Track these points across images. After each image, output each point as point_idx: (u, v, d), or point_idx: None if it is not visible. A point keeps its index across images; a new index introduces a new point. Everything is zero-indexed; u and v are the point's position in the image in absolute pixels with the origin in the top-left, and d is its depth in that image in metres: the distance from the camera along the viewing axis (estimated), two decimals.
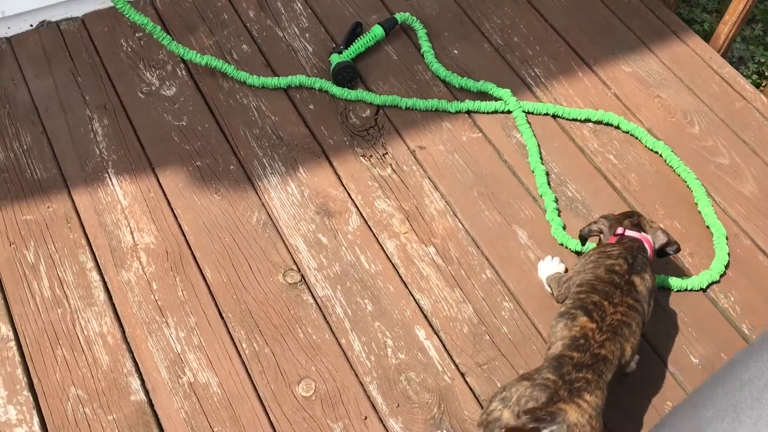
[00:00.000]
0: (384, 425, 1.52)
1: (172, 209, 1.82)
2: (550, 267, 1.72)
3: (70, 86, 2.02)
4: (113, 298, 1.67)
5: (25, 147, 1.90)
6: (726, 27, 2.20)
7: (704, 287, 1.74)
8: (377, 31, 2.15)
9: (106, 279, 1.69)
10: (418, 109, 2.04)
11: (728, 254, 1.78)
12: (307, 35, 2.20)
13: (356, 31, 2.18)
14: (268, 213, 1.83)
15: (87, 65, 2.08)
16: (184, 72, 2.09)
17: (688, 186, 1.91)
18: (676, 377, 1.62)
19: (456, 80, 2.08)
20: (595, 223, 1.65)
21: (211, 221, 1.80)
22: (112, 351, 1.59)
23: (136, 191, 1.84)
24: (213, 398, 1.54)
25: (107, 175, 1.86)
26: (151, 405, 1.53)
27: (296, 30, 2.21)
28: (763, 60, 2.72)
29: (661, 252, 1.63)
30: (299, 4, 2.27)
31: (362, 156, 1.94)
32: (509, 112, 2.03)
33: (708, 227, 1.83)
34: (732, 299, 1.73)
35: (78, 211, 1.80)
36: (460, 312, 1.68)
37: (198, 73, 2.08)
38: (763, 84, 2.66)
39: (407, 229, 1.82)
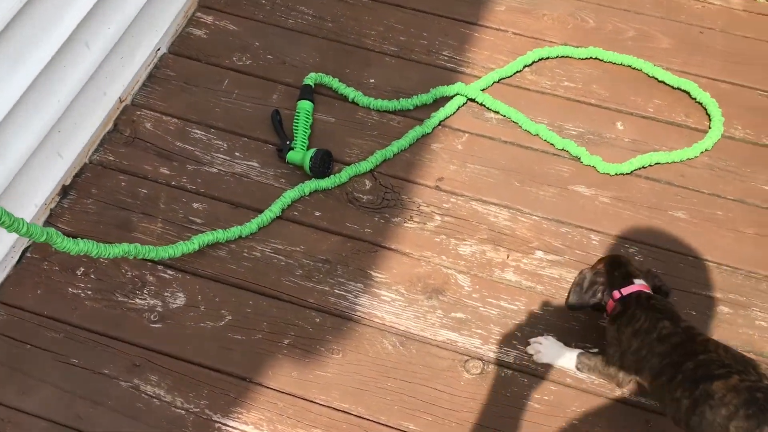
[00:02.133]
0: None
1: (319, 404, 1.58)
2: (557, 351, 1.61)
3: None
4: None
5: None
6: None
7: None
8: (305, 106, 1.97)
9: None
10: (403, 149, 1.95)
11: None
12: (237, 154, 1.94)
13: (278, 119, 1.98)
14: (395, 333, 1.67)
15: (64, 342, 1.63)
16: (171, 271, 1.74)
17: (635, 68, 2.13)
18: None
19: (407, 103, 2.01)
20: (581, 288, 1.56)
21: (362, 381, 1.60)
22: None
23: (259, 419, 1.56)
24: None
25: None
26: None
27: (223, 157, 1.93)
28: None
29: (654, 291, 1.57)
30: (199, 131, 1.97)
31: (406, 222, 1.84)
32: (472, 100, 2.05)
33: (678, 88, 2.09)
34: None
35: None
36: None
37: (181, 263, 1.74)
38: None
39: (506, 252, 1.80)
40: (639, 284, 1.53)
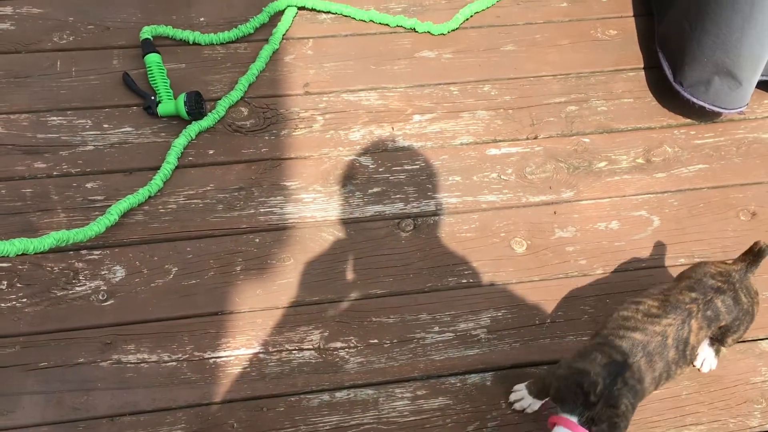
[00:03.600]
0: None
1: (292, 306, 1.69)
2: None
3: None
4: None
5: None
6: None
7: None
8: (154, 58, 1.97)
9: None
10: (262, 70, 2.03)
11: None
12: (106, 126, 1.91)
13: (131, 80, 1.96)
14: (329, 225, 1.81)
15: (24, 353, 1.57)
16: (97, 252, 1.71)
17: None
18: None
19: (247, 28, 2.08)
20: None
21: (320, 273, 1.73)
22: None
23: (247, 340, 1.65)
24: None
25: None
26: None
27: (93, 132, 1.89)
28: None
29: None
30: (55, 117, 1.90)
31: (293, 132, 1.95)
32: (302, 8, 2.16)
33: None
34: None
35: None
36: (488, 115, 2.01)
37: (103, 241, 1.73)
38: None
39: (389, 125, 1.98)
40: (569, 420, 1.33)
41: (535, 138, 2.00)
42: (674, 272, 1.67)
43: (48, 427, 1.51)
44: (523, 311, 1.73)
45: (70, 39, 2.05)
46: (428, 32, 2.16)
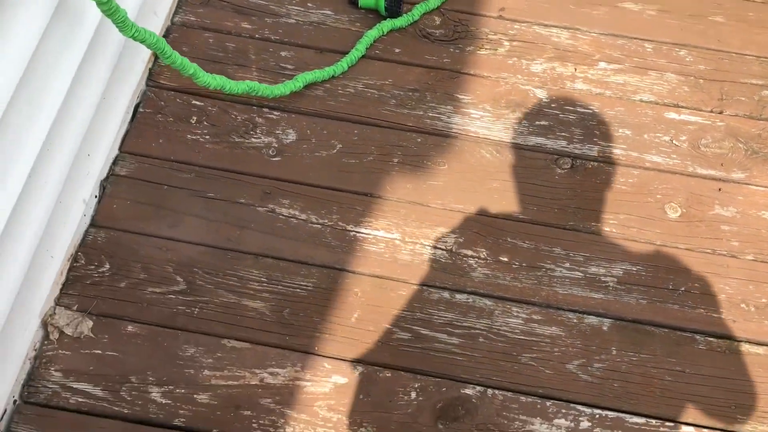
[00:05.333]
0: None
1: (436, 207, 1.77)
2: None
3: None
4: None
5: None
6: None
7: None
8: None
9: None
10: None
11: None
12: (310, 4, 2.05)
13: None
14: (490, 144, 1.85)
15: (197, 180, 1.78)
16: (276, 112, 1.87)
17: None
18: None
19: None
20: None
21: (469, 185, 1.79)
22: None
23: (387, 224, 1.75)
24: None
25: None
26: None
27: (297, 8, 2.04)
28: None
29: None
30: None
31: (478, 50, 2.00)
32: None
33: None
34: None
35: None
36: (677, 79, 1.97)
37: (284, 105, 1.88)
38: None
39: (573, 66, 1.98)
40: None
41: (720, 113, 1.92)
42: None
43: (203, 248, 1.70)
44: (660, 273, 1.71)
45: None
46: None
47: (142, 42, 1.42)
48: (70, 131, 1.53)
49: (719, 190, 1.82)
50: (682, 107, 1.94)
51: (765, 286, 1.69)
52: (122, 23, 1.36)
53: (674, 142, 1.89)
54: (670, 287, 1.69)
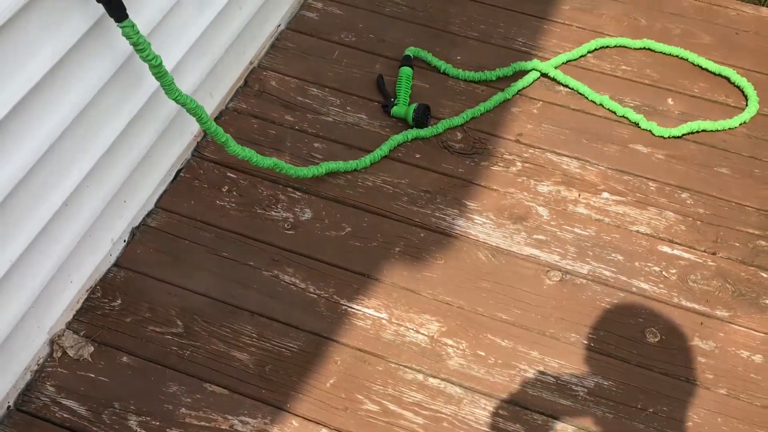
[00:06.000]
0: None
1: (426, 296, 1.89)
2: None
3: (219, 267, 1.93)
4: None
5: None
6: None
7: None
8: (407, 71, 2.35)
9: None
10: (488, 110, 2.31)
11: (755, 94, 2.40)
12: (348, 108, 2.31)
13: (382, 82, 2.35)
14: (487, 248, 1.99)
15: (216, 240, 1.97)
16: (299, 192, 2.08)
17: (681, 57, 2.50)
18: None
19: (491, 75, 2.38)
20: None
21: (461, 281, 1.92)
22: None
23: (378, 305, 1.88)
24: None
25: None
26: None
27: (337, 109, 2.30)
28: None
29: None
30: (315, 89, 2.34)
31: (492, 166, 2.18)
32: (545, 75, 2.41)
33: (719, 74, 2.45)
34: None
35: None
36: (675, 217, 2.08)
37: (307, 187, 2.09)
38: None
39: (577, 192, 2.13)
40: None
41: (713, 254, 2.01)
42: None
43: (207, 299, 1.86)
44: (630, 391, 1.75)
45: (353, 39, 2.50)
46: (650, 131, 2.29)
47: (183, 105, 1.67)
48: (112, 174, 1.77)
49: (701, 324, 1.88)
50: (677, 243, 2.04)
51: (733, 421, 1.70)
52: (168, 86, 1.61)
53: (664, 273, 1.97)
54: (639, 406, 1.73)
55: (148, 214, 2.01)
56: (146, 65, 1.57)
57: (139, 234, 1.97)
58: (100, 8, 1.46)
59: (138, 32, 1.46)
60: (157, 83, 1.78)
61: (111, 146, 1.68)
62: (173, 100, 1.63)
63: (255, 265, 1.94)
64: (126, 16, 1.42)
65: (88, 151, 1.63)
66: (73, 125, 1.53)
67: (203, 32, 1.96)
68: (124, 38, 1.48)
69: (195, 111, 1.69)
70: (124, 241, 1.94)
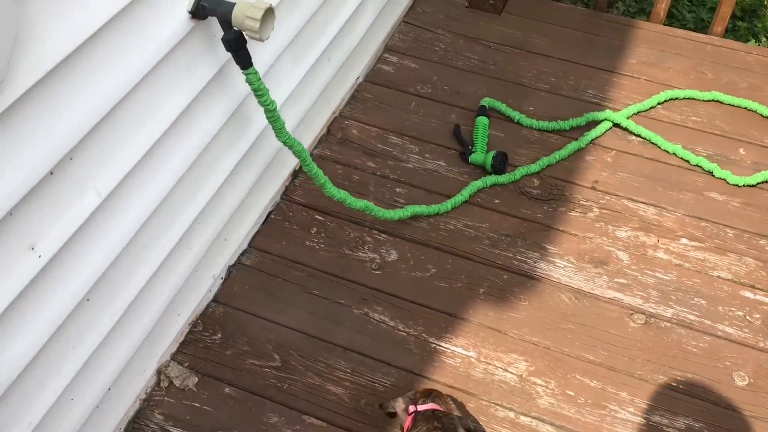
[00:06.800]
0: None
1: (513, 336, 1.94)
2: None
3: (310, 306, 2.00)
4: None
5: None
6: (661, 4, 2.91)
7: None
8: (483, 120, 2.44)
9: None
10: (563, 159, 2.39)
11: None
12: (427, 155, 2.40)
13: (459, 131, 2.45)
14: (569, 290, 2.04)
15: (306, 279, 2.05)
16: (384, 235, 2.16)
17: (750, 109, 2.56)
18: None
19: (564, 125, 2.47)
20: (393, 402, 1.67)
21: (546, 322, 1.96)
22: None
23: (466, 343, 1.93)
24: None
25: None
26: None
27: (416, 156, 2.39)
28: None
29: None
30: (395, 137, 2.45)
31: (570, 212, 2.24)
32: (617, 125, 2.49)
33: None
34: None
35: None
36: (755, 263, 2.11)
37: (391, 230, 2.17)
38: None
39: (656, 237, 2.18)
40: (434, 405, 1.61)
41: None
42: None
43: (301, 334, 1.93)
44: None
45: (429, 90, 2.62)
46: (724, 179, 2.33)
47: (290, 147, 1.77)
48: (218, 214, 1.87)
49: None
50: (758, 288, 2.06)
51: None
52: (280, 129, 1.71)
53: (748, 318, 1.99)
54: None
55: (243, 253, 2.11)
56: (260, 109, 1.68)
57: (235, 272, 2.06)
58: (225, 55, 1.59)
59: (260, 79, 1.57)
60: (261, 127, 1.90)
61: (221, 186, 1.79)
62: (282, 142, 1.74)
63: (345, 303, 2.01)
64: (251, 64, 1.54)
65: (202, 190, 1.73)
66: (193, 165, 1.64)
67: (299, 82, 2.09)
68: (246, 84, 1.59)
69: (300, 153, 1.79)
70: (222, 278, 2.03)
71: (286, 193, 2.27)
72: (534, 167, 2.35)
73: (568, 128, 2.49)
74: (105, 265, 1.45)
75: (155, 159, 1.53)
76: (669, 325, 1.97)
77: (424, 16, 2.91)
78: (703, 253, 2.15)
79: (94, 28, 1.24)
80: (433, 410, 1.58)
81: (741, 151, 2.43)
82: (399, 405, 1.64)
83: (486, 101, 2.54)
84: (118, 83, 1.35)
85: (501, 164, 2.31)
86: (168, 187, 1.56)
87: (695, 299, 2.03)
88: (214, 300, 1.99)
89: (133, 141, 1.44)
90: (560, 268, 2.10)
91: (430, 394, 1.64)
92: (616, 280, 2.07)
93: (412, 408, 1.60)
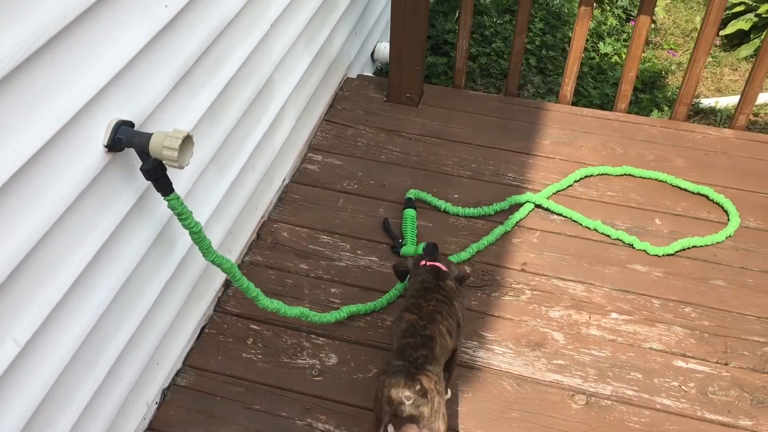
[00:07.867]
0: None
1: (459, 431, 1.92)
2: None
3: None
4: None
5: None
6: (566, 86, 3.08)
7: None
8: (411, 213, 2.49)
9: None
10: (491, 244, 2.44)
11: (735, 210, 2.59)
12: (359, 251, 2.41)
13: (388, 225, 2.48)
14: (510, 377, 2.05)
15: (246, 393, 2.00)
16: (322, 338, 2.14)
17: (660, 180, 2.70)
18: None
19: (489, 210, 2.54)
20: (405, 261, 2.08)
21: (491, 413, 1.96)
22: None
23: None
24: None
25: None
26: None
27: (348, 254, 2.40)
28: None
29: (458, 280, 2.03)
30: (325, 236, 2.46)
31: (503, 296, 2.28)
32: (539, 206, 2.57)
33: (697, 193, 2.64)
34: None
35: None
36: (683, 332, 2.18)
37: (329, 332, 2.16)
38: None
39: (587, 314, 2.23)
40: (438, 264, 2.00)
41: (725, 364, 2.10)
42: None
43: None
44: None
45: (355, 186, 2.66)
46: (644, 251, 2.43)
47: (219, 266, 1.76)
48: (149, 339, 1.82)
49: None
50: (689, 357, 2.12)
51: None
52: (206, 249, 1.70)
53: (683, 387, 2.04)
54: None
55: (178, 373, 2.04)
56: (185, 231, 1.67)
57: (170, 394, 1.99)
58: (145, 182, 1.58)
59: (182, 203, 1.57)
60: (186, 248, 1.88)
61: (149, 311, 1.75)
62: (210, 261, 1.73)
63: (288, 415, 1.96)
64: (173, 190, 1.54)
65: (129, 319, 1.69)
66: (117, 297, 1.60)
67: (224, 194, 2.09)
68: (168, 209, 1.59)
69: (230, 270, 1.78)
70: (156, 403, 1.95)
71: (219, 305, 2.24)
72: (464, 254, 2.39)
73: (492, 213, 2.56)
74: (29, 413, 1.38)
75: (75, 299, 1.48)
76: (609, 402, 2.00)
77: (345, 113, 2.99)
78: (633, 325, 2.21)
79: (4, 179, 1.22)
80: (434, 266, 1.97)
81: (657, 221, 2.55)
82: (409, 262, 2.05)
83: (411, 193, 2.59)
84: (29, 233, 1.30)
85: (432, 254, 2.35)
86: (90, 324, 1.51)
87: (631, 373, 2.07)
88: (149, 428, 1.91)
89: (52, 282, 1.40)
90: (499, 355, 2.12)
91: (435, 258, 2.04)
92: (554, 361, 2.10)
93: (422, 262, 2.00)
